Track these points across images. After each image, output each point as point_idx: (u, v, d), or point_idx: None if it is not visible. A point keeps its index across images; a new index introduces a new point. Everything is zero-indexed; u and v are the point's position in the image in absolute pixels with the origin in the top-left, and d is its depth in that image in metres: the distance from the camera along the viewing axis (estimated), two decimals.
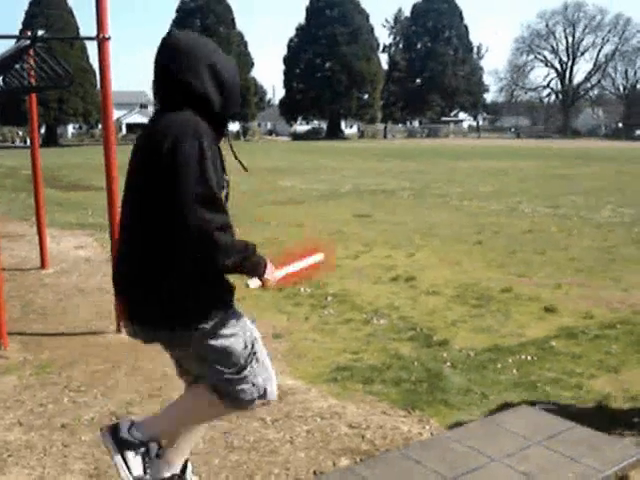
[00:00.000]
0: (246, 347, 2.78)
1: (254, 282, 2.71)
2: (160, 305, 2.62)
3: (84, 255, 10.74)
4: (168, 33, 2.66)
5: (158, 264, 2.59)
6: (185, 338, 2.69)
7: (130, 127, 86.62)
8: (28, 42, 7.74)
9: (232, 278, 2.81)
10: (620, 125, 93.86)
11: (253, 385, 2.82)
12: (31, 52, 7.91)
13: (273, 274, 2.75)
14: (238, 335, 2.75)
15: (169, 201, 2.44)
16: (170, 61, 2.59)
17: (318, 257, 3.04)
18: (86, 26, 64.27)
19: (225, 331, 2.72)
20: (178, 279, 2.59)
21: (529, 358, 5.78)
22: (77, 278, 9.13)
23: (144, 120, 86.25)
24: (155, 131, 2.56)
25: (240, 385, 2.79)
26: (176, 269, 2.58)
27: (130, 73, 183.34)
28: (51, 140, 65.34)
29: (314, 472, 3.92)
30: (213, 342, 2.70)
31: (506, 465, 3.82)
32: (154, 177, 2.49)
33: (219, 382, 2.79)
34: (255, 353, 2.82)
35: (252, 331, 2.85)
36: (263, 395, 2.87)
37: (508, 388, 5.14)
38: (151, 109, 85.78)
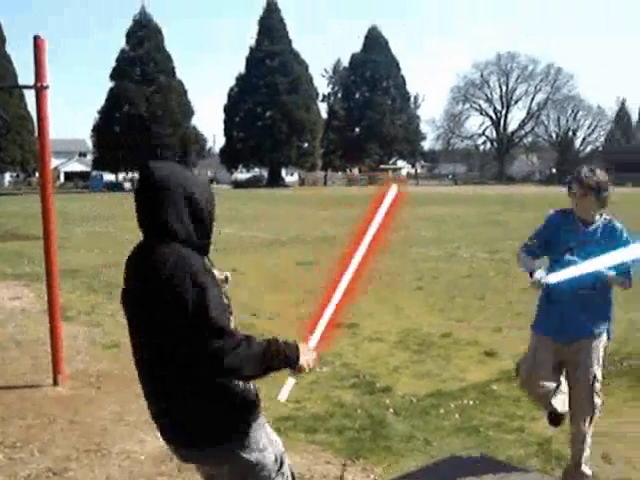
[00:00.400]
0: (276, 461, 2.77)
1: (286, 389, 2.82)
2: (194, 426, 2.64)
3: (20, 306, 10.49)
4: (147, 169, 2.66)
5: (183, 390, 2.60)
6: (219, 454, 2.67)
7: (68, 176, 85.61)
8: None
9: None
10: (554, 171, 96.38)
11: None
12: None
13: (307, 354, 2.76)
14: (268, 449, 2.73)
15: (183, 336, 2.49)
16: (152, 199, 2.62)
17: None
18: (25, 74, 63.61)
19: (257, 445, 2.71)
20: (203, 401, 2.60)
21: (471, 402, 5.82)
22: (13, 329, 8.90)
23: (83, 168, 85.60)
24: (150, 270, 2.56)
25: None
26: (201, 392, 2.60)
27: (69, 121, 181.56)
28: None
29: None
30: (247, 456, 2.68)
31: None
32: (162, 318, 2.52)
33: None
34: (283, 466, 2.80)
35: (279, 444, 2.84)
36: None
37: (451, 433, 5.16)
38: (90, 157, 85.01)
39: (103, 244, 18.90)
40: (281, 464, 2.80)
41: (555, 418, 4.54)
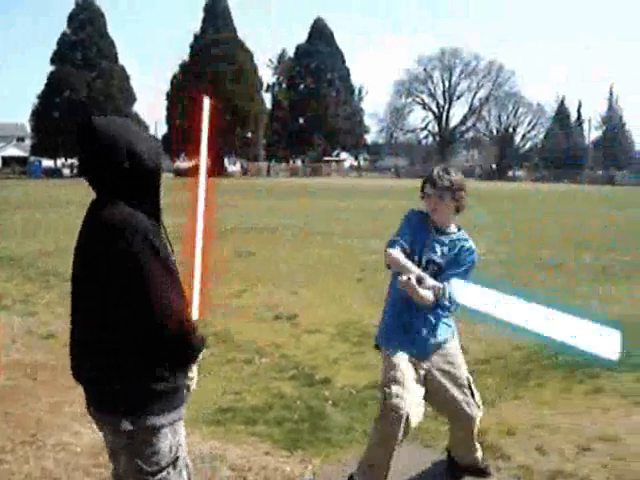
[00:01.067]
0: (171, 451, 2.73)
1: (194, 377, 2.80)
2: (110, 390, 2.63)
3: None
4: (89, 121, 2.63)
5: (116, 355, 2.59)
6: (121, 425, 2.63)
7: (5, 161, 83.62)
8: None
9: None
10: (494, 166, 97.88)
11: None
12: None
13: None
14: (167, 436, 2.70)
15: (135, 302, 2.51)
16: (96, 150, 2.59)
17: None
18: None
19: (162, 431, 2.68)
20: (131, 370, 2.59)
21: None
22: None
23: (21, 153, 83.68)
24: (100, 228, 2.56)
25: None
26: (132, 362, 2.59)
27: (7, 104, 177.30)
28: None
29: None
30: (146, 437, 2.66)
31: None
32: (111, 280, 2.52)
33: (137, 478, 2.71)
34: (177, 459, 2.77)
35: (180, 435, 2.80)
36: None
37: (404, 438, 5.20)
38: (28, 142, 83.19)
39: (40, 232, 18.54)
40: (176, 458, 2.77)
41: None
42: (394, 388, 3.82)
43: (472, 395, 4.08)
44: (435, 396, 4.06)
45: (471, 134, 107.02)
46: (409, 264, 3.84)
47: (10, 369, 6.59)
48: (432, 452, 4.70)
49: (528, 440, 5.02)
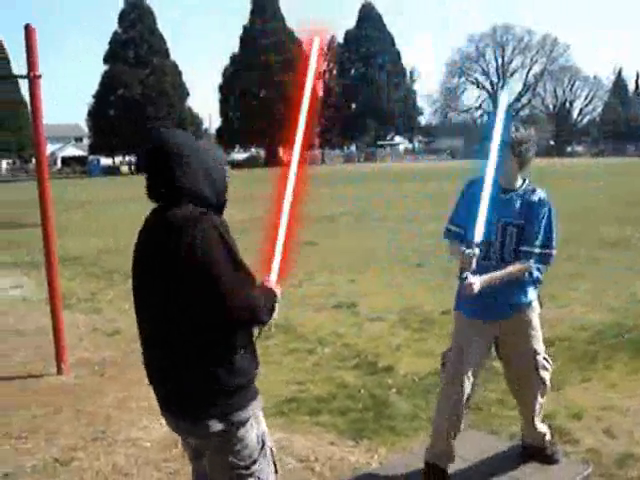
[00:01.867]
0: (258, 441, 2.77)
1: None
2: (194, 396, 2.65)
3: (21, 295, 10.51)
4: (159, 137, 2.66)
5: (195, 358, 2.61)
6: (210, 427, 2.65)
7: (65, 161, 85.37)
8: None
9: None
10: (552, 143, 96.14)
11: (258, 479, 2.79)
12: None
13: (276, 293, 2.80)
14: (253, 427, 2.74)
15: (207, 296, 2.51)
16: (166, 166, 2.61)
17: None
18: (19, 60, 63.33)
19: (248, 424, 2.72)
20: (208, 370, 2.62)
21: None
22: (14, 319, 8.92)
23: (79, 152, 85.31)
24: (167, 230, 2.57)
25: (248, 479, 2.76)
26: (206, 362, 2.61)
27: (64, 106, 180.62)
28: None
29: None
30: (237, 433, 2.69)
31: None
32: (183, 278, 2.53)
33: (231, 476, 2.74)
34: (264, 447, 2.81)
35: (263, 424, 2.84)
36: None
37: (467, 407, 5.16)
38: (86, 141, 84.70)
39: (102, 230, 18.89)
40: (263, 444, 2.80)
41: (431, 470, 3.95)
42: (455, 354, 3.86)
43: (537, 370, 3.97)
44: (504, 364, 4.10)
45: (527, 111, 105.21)
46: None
47: (78, 367, 6.74)
48: (498, 439, 4.66)
49: (596, 423, 4.93)
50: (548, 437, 4.22)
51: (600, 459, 4.36)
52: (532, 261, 3.79)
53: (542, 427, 4.19)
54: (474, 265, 3.57)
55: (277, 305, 2.75)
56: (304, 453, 4.62)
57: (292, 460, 4.49)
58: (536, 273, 3.93)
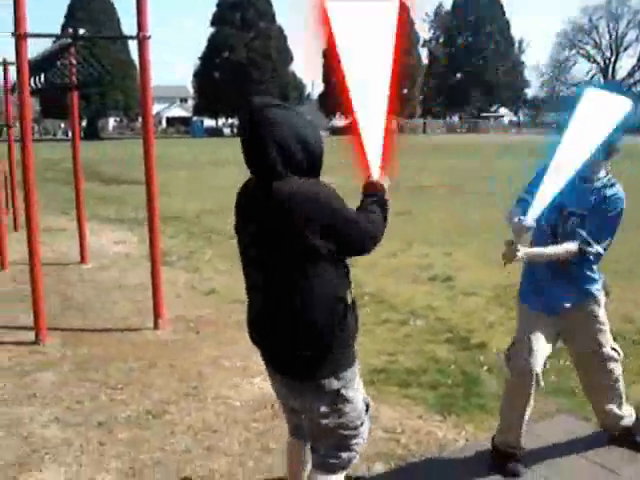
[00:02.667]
0: (364, 401, 2.84)
1: None
2: (312, 353, 2.69)
3: (123, 250, 10.84)
4: (259, 108, 2.67)
5: (313, 316, 2.66)
6: (327, 386, 2.71)
7: (170, 121, 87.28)
8: (69, 40, 7.81)
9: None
10: None
11: (363, 440, 2.87)
12: (72, 50, 7.99)
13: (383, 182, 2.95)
14: (359, 389, 2.79)
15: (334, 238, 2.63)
16: (267, 136, 2.62)
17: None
18: (128, 20, 64.68)
19: (355, 383, 2.78)
20: (328, 327, 2.66)
21: (567, 363, 5.65)
22: (116, 274, 9.22)
23: (184, 114, 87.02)
24: (282, 198, 2.62)
25: (355, 440, 2.83)
26: (329, 318, 2.66)
27: (171, 66, 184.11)
28: (92, 133, 66.02)
29: (348, 477, 3.90)
30: (349, 394, 2.73)
31: (543, 476, 3.76)
32: (303, 234, 2.59)
33: (339, 437, 2.79)
34: (368, 409, 2.88)
35: (361, 382, 2.88)
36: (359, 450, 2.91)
37: (547, 394, 5.04)
38: (191, 102, 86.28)
39: (203, 190, 19.26)
40: (367, 407, 2.84)
41: (502, 461, 3.90)
42: (518, 347, 3.81)
43: (602, 362, 3.87)
44: (572, 358, 4.10)
45: (639, 87, 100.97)
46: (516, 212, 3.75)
47: (175, 323, 6.91)
48: (590, 425, 4.52)
49: None
50: (630, 421, 4.07)
51: None
52: (582, 245, 3.65)
53: (619, 415, 4.05)
54: (525, 236, 3.57)
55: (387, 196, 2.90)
56: (391, 424, 4.60)
57: (379, 431, 4.48)
58: (593, 264, 3.80)
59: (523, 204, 3.80)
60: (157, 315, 6.80)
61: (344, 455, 2.81)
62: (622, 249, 10.86)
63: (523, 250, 3.56)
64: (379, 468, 4.00)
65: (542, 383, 3.76)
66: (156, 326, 6.75)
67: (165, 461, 4.13)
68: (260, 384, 5.20)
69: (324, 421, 2.75)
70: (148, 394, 5.13)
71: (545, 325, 3.81)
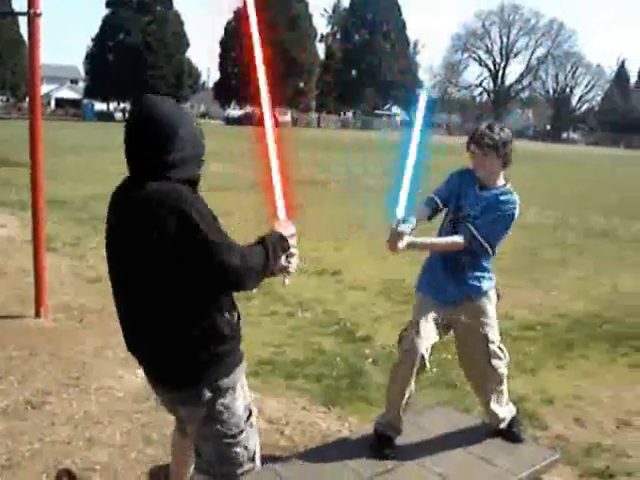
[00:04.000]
0: (245, 409, 2.77)
1: (288, 276, 2.96)
2: (184, 365, 2.64)
3: (5, 234, 10.44)
4: (142, 103, 2.63)
5: (179, 328, 2.60)
6: (196, 395, 2.67)
7: (59, 102, 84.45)
8: None
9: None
10: (548, 127, 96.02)
11: (245, 449, 2.77)
12: None
13: (286, 228, 2.87)
14: (240, 395, 2.74)
15: (196, 261, 2.49)
16: (145, 132, 2.58)
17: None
18: None
19: (232, 390, 2.72)
20: (191, 338, 2.61)
21: (449, 357, 5.85)
22: None
23: (74, 95, 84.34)
24: (142, 204, 2.54)
25: (235, 448, 2.75)
26: (189, 328, 2.60)
27: (62, 46, 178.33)
28: None
29: None
30: (222, 400, 2.69)
31: (422, 465, 3.88)
32: (163, 250, 2.50)
33: (217, 445, 2.74)
34: (251, 416, 2.81)
35: (248, 394, 2.84)
36: (252, 459, 2.82)
37: (428, 386, 5.20)
38: (82, 84, 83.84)
39: (92, 175, 18.76)
40: (249, 414, 2.81)
41: (380, 442, 4.08)
42: (408, 329, 3.99)
43: (488, 358, 4.03)
44: (458, 350, 4.22)
45: (527, 93, 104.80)
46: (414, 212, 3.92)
47: (57, 311, 6.73)
48: (469, 417, 4.69)
49: (567, 411, 4.98)
50: (508, 420, 4.24)
51: (568, 447, 4.40)
52: (467, 236, 3.85)
53: (501, 410, 4.21)
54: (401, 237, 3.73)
55: (292, 243, 2.84)
56: (275, 415, 4.64)
57: (263, 422, 4.50)
58: (485, 263, 4.04)
59: (429, 203, 4.06)
60: (39, 302, 6.59)
61: (225, 467, 2.76)
62: (505, 247, 11.29)
63: (407, 239, 3.73)
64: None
65: (428, 365, 3.95)
66: (38, 314, 6.55)
67: (44, 452, 4.02)
68: (143, 375, 5.12)
69: (202, 429, 2.74)
70: (28, 384, 4.98)
71: (437, 313, 4.00)
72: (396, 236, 3.72)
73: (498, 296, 4.18)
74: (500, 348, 4.09)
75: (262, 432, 4.33)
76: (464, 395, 5.10)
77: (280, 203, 2.96)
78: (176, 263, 2.50)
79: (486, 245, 3.88)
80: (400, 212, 3.68)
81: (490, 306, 4.08)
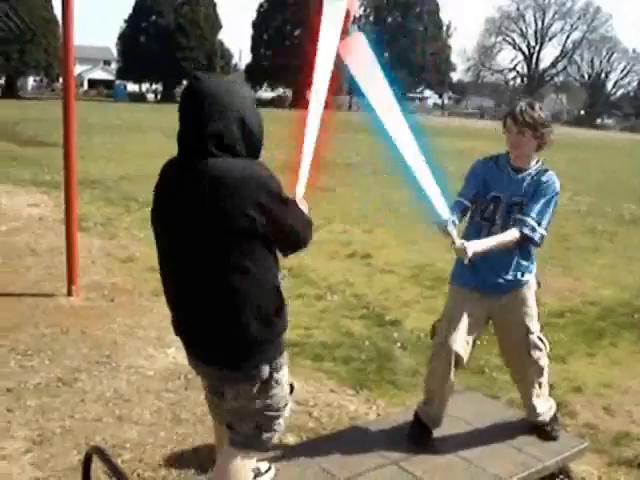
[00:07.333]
0: (288, 383, 2.84)
1: None
2: (244, 343, 2.64)
3: (38, 214, 10.56)
4: (197, 79, 2.59)
5: (240, 305, 2.60)
6: (261, 373, 2.68)
7: (92, 83, 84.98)
8: None
9: None
10: (582, 113, 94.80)
11: (283, 421, 2.87)
12: None
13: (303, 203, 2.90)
14: (287, 372, 2.81)
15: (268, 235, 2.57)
16: (201, 109, 2.54)
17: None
18: None
19: (285, 365, 2.78)
20: (260, 316, 2.62)
21: (478, 342, 5.82)
22: (29, 237, 8.98)
23: (107, 76, 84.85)
24: (217, 179, 2.51)
25: (279, 420, 2.83)
26: (260, 306, 2.62)
27: (95, 28, 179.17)
28: (10, 92, 63.76)
29: None
30: (279, 378, 2.74)
31: (448, 449, 3.87)
32: (236, 224, 2.51)
33: (261, 418, 2.77)
34: (292, 389, 2.90)
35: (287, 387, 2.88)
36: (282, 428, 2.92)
37: (456, 372, 5.17)
38: (114, 65, 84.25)
39: (123, 156, 18.88)
40: (292, 389, 2.87)
41: (419, 431, 3.98)
42: (444, 325, 3.85)
43: (528, 348, 3.91)
44: (498, 341, 4.09)
45: (561, 78, 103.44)
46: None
47: (89, 290, 6.80)
48: (497, 403, 4.67)
49: (596, 399, 4.94)
50: (548, 416, 4.15)
51: (596, 435, 4.37)
52: (526, 229, 3.69)
53: (540, 405, 4.10)
54: (454, 236, 3.56)
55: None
56: (304, 397, 4.66)
57: (291, 403, 4.51)
58: (529, 251, 3.89)
59: (456, 207, 3.86)
60: (71, 281, 6.66)
61: (264, 436, 2.81)
62: None
63: (472, 249, 3.56)
64: (291, 440, 4.04)
65: (465, 359, 3.81)
66: (69, 293, 6.62)
67: (75, 429, 4.08)
68: (174, 354, 5.18)
69: (252, 404, 2.75)
70: (59, 361, 5.04)
71: (474, 306, 3.85)
72: (450, 237, 3.57)
73: (539, 284, 4.03)
74: (540, 339, 3.96)
75: (290, 414, 4.36)
76: (492, 381, 5.09)
77: (303, 181, 2.97)
78: (248, 236, 2.52)
79: (544, 232, 3.74)
80: (445, 213, 3.54)
81: (531, 295, 3.94)
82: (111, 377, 4.84)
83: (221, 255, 2.56)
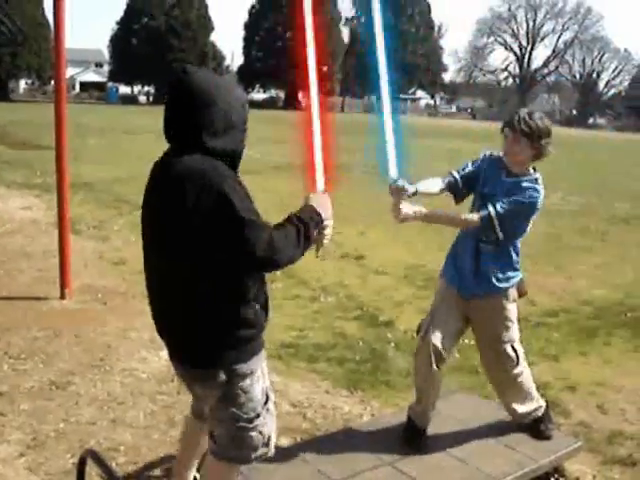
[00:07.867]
0: (263, 394, 2.77)
1: (321, 248, 2.91)
2: (204, 345, 2.64)
3: (30, 216, 10.53)
4: (184, 71, 2.58)
5: (204, 308, 2.59)
6: (216, 376, 2.66)
7: (84, 86, 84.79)
8: None
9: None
10: (574, 112, 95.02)
11: (260, 433, 2.77)
12: None
13: (322, 202, 2.85)
14: (259, 381, 2.74)
15: (222, 245, 2.47)
16: (185, 102, 2.54)
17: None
18: None
19: (252, 374, 2.71)
20: (218, 319, 2.60)
21: (472, 342, 5.81)
22: (22, 240, 8.95)
23: (99, 79, 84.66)
24: (177, 180, 2.51)
25: (250, 432, 2.74)
26: (217, 310, 2.59)
27: (87, 30, 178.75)
28: (2, 95, 63.54)
29: None
30: (244, 385, 2.69)
31: (443, 450, 3.87)
32: (195, 227, 2.48)
33: (232, 428, 2.74)
34: (268, 401, 2.81)
35: (267, 378, 2.83)
36: (266, 444, 2.81)
37: (450, 372, 5.16)
38: (106, 68, 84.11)
39: (116, 158, 18.85)
40: (267, 399, 2.80)
41: (411, 432, 3.96)
42: (428, 321, 3.86)
43: (499, 358, 3.89)
44: (476, 345, 4.08)
45: (553, 78, 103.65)
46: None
47: (82, 293, 6.78)
48: (490, 404, 4.67)
49: (590, 398, 4.95)
50: (531, 417, 4.10)
51: (590, 434, 4.38)
52: (483, 212, 3.70)
53: (520, 407, 4.05)
54: (403, 195, 3.68)
55: (327, 215, 2.80)
56: (298, 398, 4.66)
57: (285, 405, 4.52)
58: (509, 257, 3.86)
59: (446, 177, 3.97)
60: (63, 284, 6.65)
61: (238, 451, 2.76)
62: (530, 233, 11.19)
63: (410, 209, 3.68)
64: (285, 442, 4.04)
65: (444, 354, 3.78)
66: (62, 296, 6.60)
67: (69, 433, 4.07)
68: (167, 357, 5.15)
69: (217, 411, 2.74)
70: (52, 364, 5.03)
71: (456, 304, 3.87)
72: (397, 196, 3.64)
73: (522, 294, 3.98)
74: (514, 349, 3.91)
75: (285, 415, 4.37)
76: (486, 381, 5.07)
77: (320, 174, 2.96)
78: (207, 240, 2.47)
79: (497, 227, 3.68)
80: (393, 171, 3.61)
81: (509, 305, 3.89)
82: (105, 380, 4.83)
83: (180, 256, 2.56)
